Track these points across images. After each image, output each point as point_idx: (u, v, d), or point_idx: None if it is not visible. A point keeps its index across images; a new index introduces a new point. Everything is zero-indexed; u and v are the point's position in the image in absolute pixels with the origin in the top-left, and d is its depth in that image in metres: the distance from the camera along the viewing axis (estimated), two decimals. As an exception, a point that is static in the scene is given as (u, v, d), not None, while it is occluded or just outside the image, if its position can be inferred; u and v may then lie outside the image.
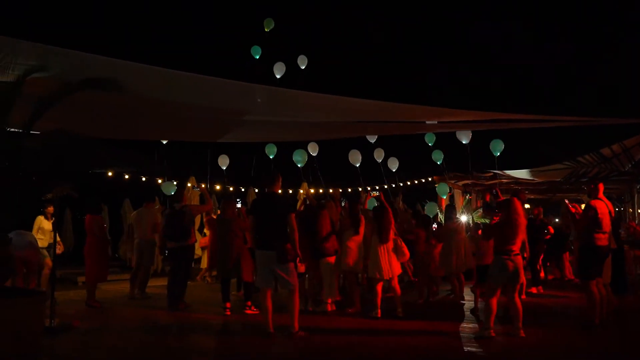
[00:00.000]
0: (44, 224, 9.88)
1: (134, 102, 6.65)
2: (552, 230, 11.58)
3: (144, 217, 9.88)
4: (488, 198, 9.04)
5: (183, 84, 6.82)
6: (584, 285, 7.34)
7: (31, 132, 5.77)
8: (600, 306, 7.31)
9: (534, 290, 10.51)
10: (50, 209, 9.74)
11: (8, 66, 5.38)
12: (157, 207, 10.90)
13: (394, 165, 16.39)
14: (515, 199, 6.96)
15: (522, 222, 6.80)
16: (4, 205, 5.38)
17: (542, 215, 11.49)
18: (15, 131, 5.77)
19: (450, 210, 10.39)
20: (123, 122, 7.94)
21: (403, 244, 8.33)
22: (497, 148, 13.85)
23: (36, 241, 9.05)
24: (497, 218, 7.40)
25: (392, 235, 8.17)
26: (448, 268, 9.54)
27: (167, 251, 9.23)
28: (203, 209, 10.17)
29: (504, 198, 7.89)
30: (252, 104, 7.33)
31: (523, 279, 7.04)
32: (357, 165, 15.74)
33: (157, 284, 10.81)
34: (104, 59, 5.90)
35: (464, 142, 13.92)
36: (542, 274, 11.60)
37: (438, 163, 15.19)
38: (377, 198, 9.42)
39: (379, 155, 16.18)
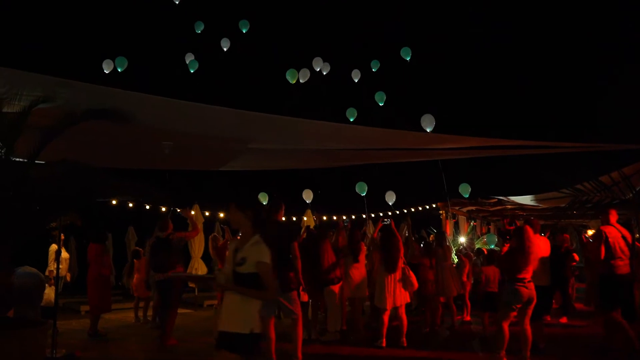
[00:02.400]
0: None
1: (137, 132, 6.73)
2: (577, 258, 11.21)
3: None
4: (507, 223, 8.95)
5: (186, 113, 6.90)
6: (607, 317, 7.13)
7: (36, 161, 5.83)
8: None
9: (564, 320, 10.18)
10: (62, 236, 9.76)
11: (14, 97, 5.47)
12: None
13: (390, 199, 16.41)
14: (527, 227, 6.88)
15: (534, 250, 6.73)
16: (10, 233, 5.41)
17: (567, 243, 11.13)
18: (20, 161, 5.83)
19: (441, 236, 10.45)
20: (126, 150, 8.02)
21: (412, 274, 8.27)
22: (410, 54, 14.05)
23: (40, 273, 9.06)
24: (507, 246, 7.37)
25: (400, 264, 8.13)
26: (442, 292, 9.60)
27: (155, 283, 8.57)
28: (189, 236, 9.56)
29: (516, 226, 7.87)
30: (256, 131, 7.40)
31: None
32: (363, 194, 15.80)
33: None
34: (107, 90, 6.00)
35: (427, 130, 14.06)
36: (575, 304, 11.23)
37: (465, 196, 14.93)
38: (387, 226, 9.41)
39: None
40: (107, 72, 13.00)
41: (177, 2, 13.86)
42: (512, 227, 8.05)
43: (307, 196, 15.99)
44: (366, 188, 15.61)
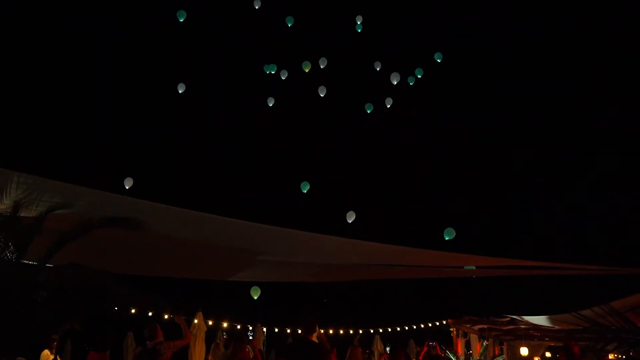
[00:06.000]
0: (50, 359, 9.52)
1: (149, 240, 6.75)
2: None
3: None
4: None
5: (199, 224, 6.97)
6: None
7: (46, 265, 5.82)
8: None
9: None
10: (55, 342, 9.46)
11: (33, 202, 5.58)
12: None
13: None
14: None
15: None
16: (14, 337, 5.29)
17: None
18: (30, 264, 5.82)
19: None
20: (137, 258, 8.00)
21: None
22: None
23: None
24: None
25: None
26: None
27: None
28: (179, 344, 8.73)
29: None
30: (267, 244, 7.41)
31: None
32: None
33: None
34: (124, 198, 6.12)
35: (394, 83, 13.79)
36: None
37: (446, 238, 13.67)
38: (433, 348, 9.07)
39: None
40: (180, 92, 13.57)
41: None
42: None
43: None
44: None
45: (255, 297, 13.76)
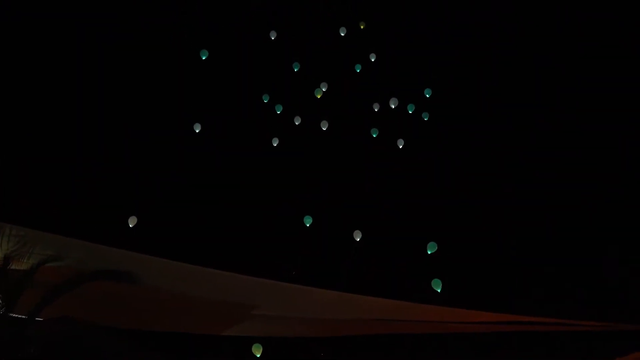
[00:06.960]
0: None
1: (142, 293, 6.67)
2: None
3: None
4: None
5: (193, 277, 6.89)
6: None
7: (36, 318, 5.73)
8: None
9: None
10: None
11: (24, 255, 5.55)
12: None
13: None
14: None
15: None
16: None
17: None
18: (19, 317, 5.74)
19: None
20: (130, 311, 7.87)
21: None
22: None
23: None
24: None
25: None
26: None
27: None
28: None
29: None
30: (261, 298, 7.31)
31: None
32: None
33: None
34: (117, 251, 6.07)
35: (392, 107, 13.57)
36: None
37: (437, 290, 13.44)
38: None
39: None
40: None
41: None
42: None
43: None
44: None
45: (258, 355, 13.36)
